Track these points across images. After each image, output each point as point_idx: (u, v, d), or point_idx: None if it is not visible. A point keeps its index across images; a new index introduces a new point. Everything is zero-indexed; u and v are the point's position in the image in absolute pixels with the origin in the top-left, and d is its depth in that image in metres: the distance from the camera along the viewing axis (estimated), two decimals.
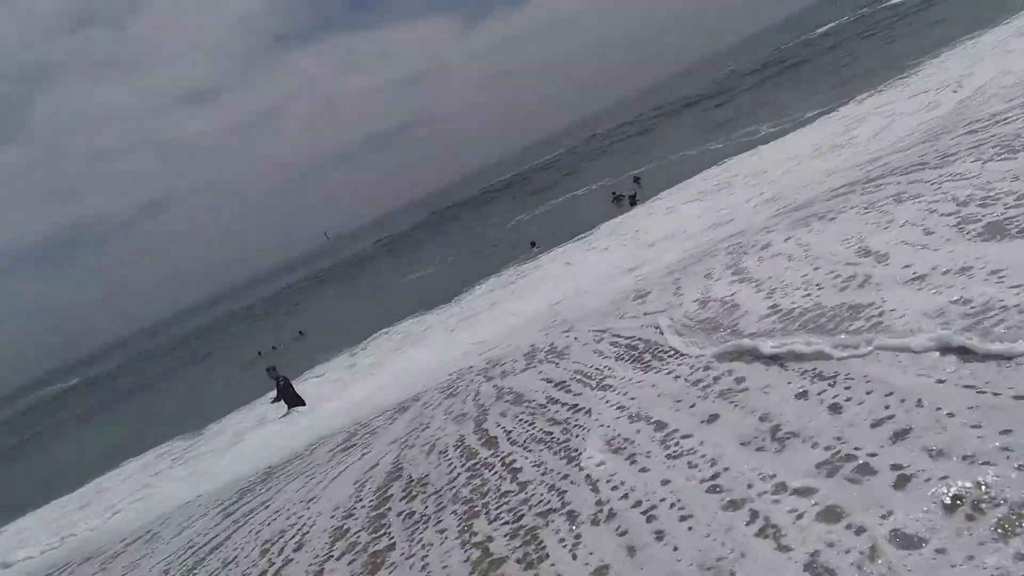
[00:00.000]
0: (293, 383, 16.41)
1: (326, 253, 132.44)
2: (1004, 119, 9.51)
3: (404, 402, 11.37)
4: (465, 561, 4.50)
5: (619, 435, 5.21)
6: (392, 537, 5.63)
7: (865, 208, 8.08)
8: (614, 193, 29.20)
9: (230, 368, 35.89)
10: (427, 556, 4.88)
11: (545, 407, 6.99)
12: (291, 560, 6.23)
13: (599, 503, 4.31)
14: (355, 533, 6.11)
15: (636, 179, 31.52)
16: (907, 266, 5.57)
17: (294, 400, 15.94)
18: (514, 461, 5.89)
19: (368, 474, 7.99)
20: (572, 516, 4.32)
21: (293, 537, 6.89)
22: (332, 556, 5.82)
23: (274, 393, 16.08)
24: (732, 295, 7.45)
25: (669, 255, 12.86)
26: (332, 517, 6.96)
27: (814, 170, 14.67)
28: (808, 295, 6.21)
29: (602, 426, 5.57)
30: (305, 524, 7.13)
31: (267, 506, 8.80)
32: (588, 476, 4.75)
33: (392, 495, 6.69)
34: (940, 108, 14.58)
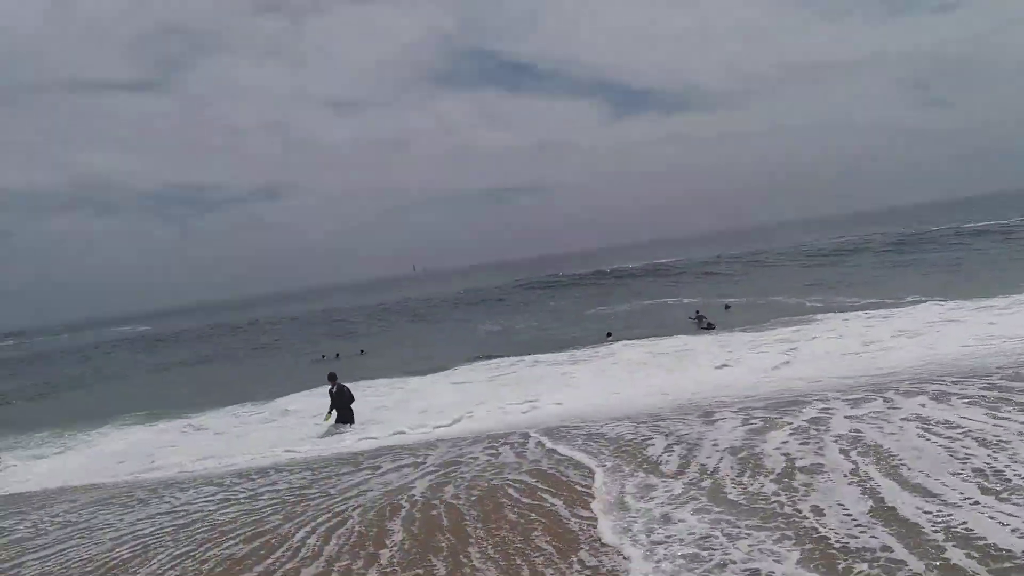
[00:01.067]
0: (351, 391, 16.67)
1: (410, 284, 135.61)
2: None
3: (437, 441, 11.64)
4: None
5: None
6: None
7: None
8: (697, 312, 29.38)
9: (297, 361, 37.07)
10: None
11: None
12: None
13: None
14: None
15: (727, 306, 31.72)
16: None
17: (345, 413, 16.20)
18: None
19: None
20: None
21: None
22: None
23: (329, 402, 16.38)
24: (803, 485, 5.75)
25: (724, 391, 12.82)
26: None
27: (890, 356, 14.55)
28: None
29: None
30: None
31: (250, 510, 8.72)
32: None
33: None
34: None
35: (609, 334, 27.77)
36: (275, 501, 8.74)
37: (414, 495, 7.78)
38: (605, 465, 7.60)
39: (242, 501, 9.10)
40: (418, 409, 17.40)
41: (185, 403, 24.01)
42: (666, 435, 8.67)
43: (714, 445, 7.71)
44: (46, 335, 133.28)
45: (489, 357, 25.27)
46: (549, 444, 9.31)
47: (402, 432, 14.19)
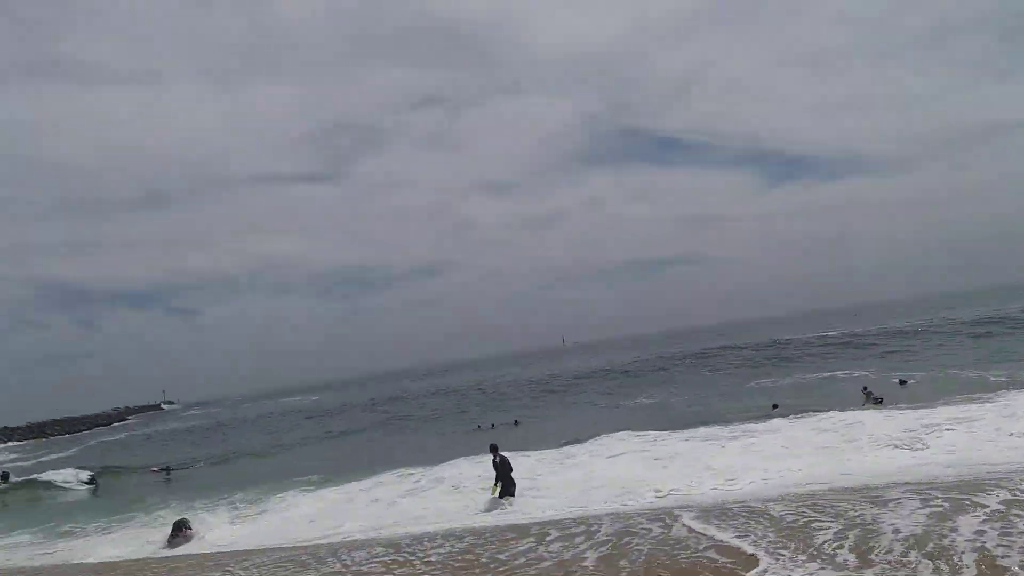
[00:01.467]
0: (511, 463, 17.10)
1: (561, 357, 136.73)
2: None
3: (603, 515, 11.83)
4: None
5: None
6: None
7: None
8: (865, 387, 27.91)
9: (456, 430, 38.51)
10: None
11: None
12: None
13: None
14: None
15: (902, 382, 30.02)
16: None
17: (507, 483, 16.53)
18: None
19: None
20: None
21: None
22: None
23: (494, 473, 16.75)
24: None
25: (895, 470, 12.16)
26: None
27: None
28: None
29: None
30: None
31: (417, 574, 9.14)
32: None
33: None
34: None
35: (775, 406, 27.38)
36: (443, 566, 9.27)
37: (586, 565, 8.04)
38: (780, 555, 7.28)
39: (413, 564, 9.72)
40: (574, 482, 17.63)
41: (357, 468, 25.54)
42: (834, 518, 8.41)
43: (894, 532, 7.13)
44: (227, 405, 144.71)
45: (645, 430, 25.14)
46: (701, 526, 9.23)
47: (566, 505, 14.49)
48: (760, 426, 21.85)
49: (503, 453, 17.28)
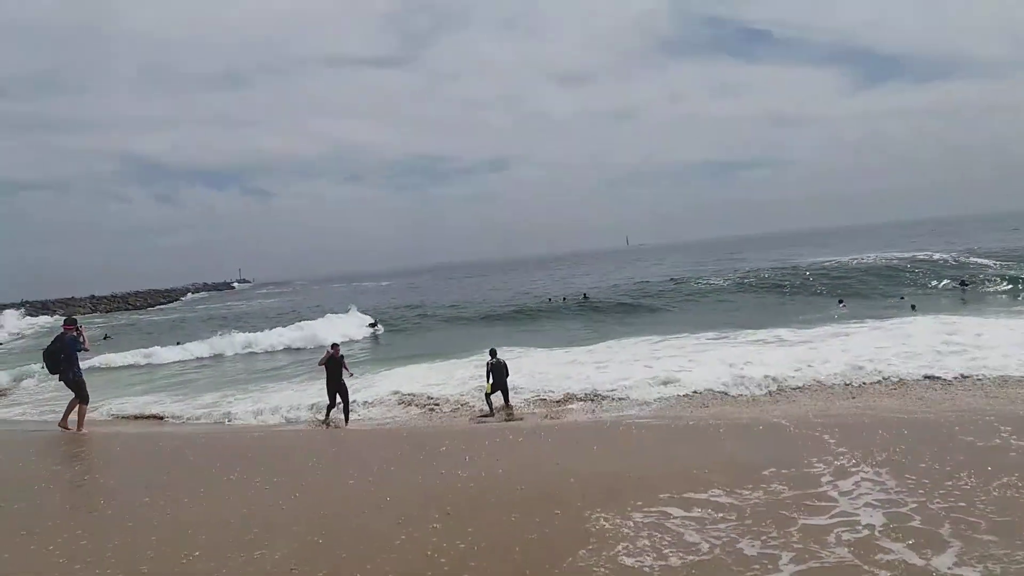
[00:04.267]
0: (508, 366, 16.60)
1: (620, 256, 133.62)
2: None
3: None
4: None
5: None
6: None
7: None
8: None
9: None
10: None
11: None
12: None
13: None
14: None
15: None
16: None
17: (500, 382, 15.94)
18: None
19: None
20: None
21: None
22: None
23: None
24: None
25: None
26: None
27: None
28: None
29: None
30: None
31: None
32: None
33: None
34: None
35: (841, 301, 28.38)
36: None
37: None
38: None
39: None
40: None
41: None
42: None
43: None
44: (298, 286, 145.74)
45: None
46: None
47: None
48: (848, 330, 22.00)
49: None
